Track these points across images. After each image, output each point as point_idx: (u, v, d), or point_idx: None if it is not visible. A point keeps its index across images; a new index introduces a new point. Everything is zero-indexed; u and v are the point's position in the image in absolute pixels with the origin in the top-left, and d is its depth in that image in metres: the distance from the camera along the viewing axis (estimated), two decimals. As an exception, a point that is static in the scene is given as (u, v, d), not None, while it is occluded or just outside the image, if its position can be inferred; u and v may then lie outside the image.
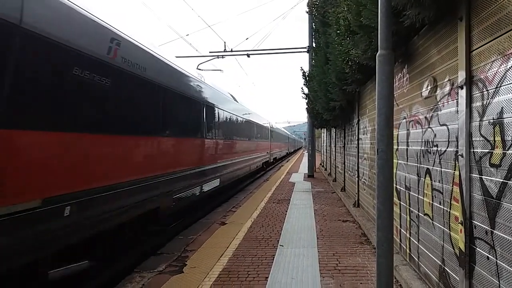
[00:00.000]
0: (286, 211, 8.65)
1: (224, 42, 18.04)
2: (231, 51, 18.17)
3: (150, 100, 6.09)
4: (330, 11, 6.86)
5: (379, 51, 3.25)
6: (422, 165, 3.93)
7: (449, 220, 3.20)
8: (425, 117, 3.81)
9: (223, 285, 4.24)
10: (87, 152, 4.40)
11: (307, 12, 14.01)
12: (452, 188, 3.13)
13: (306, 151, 26.89)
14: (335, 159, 14.57)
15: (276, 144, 30.50)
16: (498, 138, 2.39)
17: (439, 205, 3.45)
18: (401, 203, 4.73)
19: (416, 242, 4.12)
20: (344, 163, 11.15)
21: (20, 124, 3.45)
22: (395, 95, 4.74)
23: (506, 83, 2.31)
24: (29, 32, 3.48)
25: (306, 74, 14.87)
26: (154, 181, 6.06)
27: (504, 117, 2.33)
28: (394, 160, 4.41)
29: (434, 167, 3.58)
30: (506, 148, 2.30)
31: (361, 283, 4.22)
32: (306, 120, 20.26)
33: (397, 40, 4.08)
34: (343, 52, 5.80)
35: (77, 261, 4.30)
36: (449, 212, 3.19)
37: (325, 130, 20.78)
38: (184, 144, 7.73)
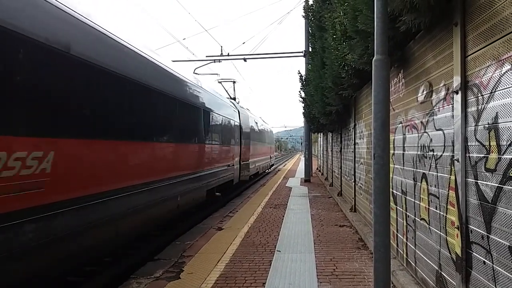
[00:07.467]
0: (283, 216, 8.63)
1: (221, 46, 18.10)
2: (228, 55, 18.22)
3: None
4: (326, 16, 6.89)
5: (375, 56, 3.27)
6: (418, 170, 3.94)
7: (445, 225, 3.20)
8: (421, 122, 3.83)
9: (220, 291, 4.20)
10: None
11: (303, 17, 14.08)
12: (448, 193, 3.13)
13: (302, 155, 26.77)
14: (332, 164, 14.58)
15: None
16: (493, 143, 2.40)
17: (435, 210, 3.45)
18: (398, 207, 4.73)
19: (413, 247, 4.12)
20: (341, 168, 11.15)
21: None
22: (391, 100, 4.76)
23: (501, 88, 2.33)
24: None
25: (303, 78, 14.89)
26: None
27: (499, 122, 2.34)
28: (390, 165, 4.42)
29: (430, 172, 3.59)
30: (501, 153, 2.31)
31: (358, 288, 4.21)
32: (303, 124, 20.27)
33: (393, 45, 4.11)
34: (339, 57, 5.83)
35: None
36: (446, 216, 3.20)
37: (321, 134, 20.80)
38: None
